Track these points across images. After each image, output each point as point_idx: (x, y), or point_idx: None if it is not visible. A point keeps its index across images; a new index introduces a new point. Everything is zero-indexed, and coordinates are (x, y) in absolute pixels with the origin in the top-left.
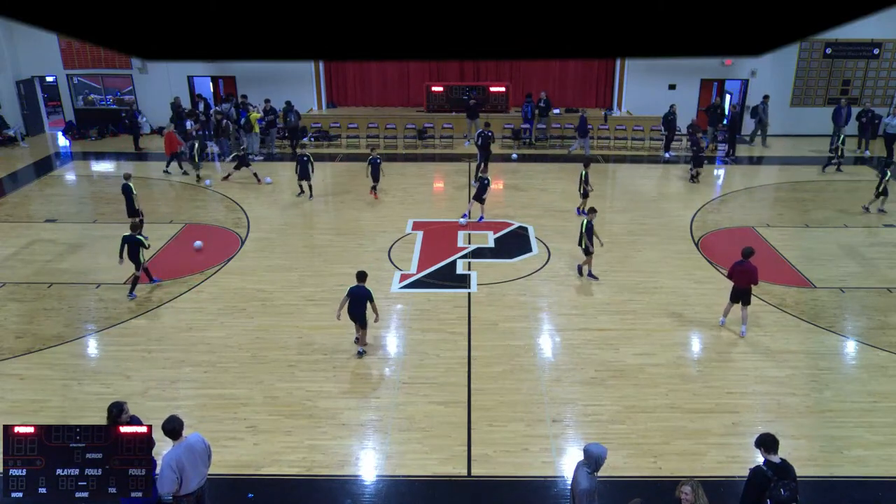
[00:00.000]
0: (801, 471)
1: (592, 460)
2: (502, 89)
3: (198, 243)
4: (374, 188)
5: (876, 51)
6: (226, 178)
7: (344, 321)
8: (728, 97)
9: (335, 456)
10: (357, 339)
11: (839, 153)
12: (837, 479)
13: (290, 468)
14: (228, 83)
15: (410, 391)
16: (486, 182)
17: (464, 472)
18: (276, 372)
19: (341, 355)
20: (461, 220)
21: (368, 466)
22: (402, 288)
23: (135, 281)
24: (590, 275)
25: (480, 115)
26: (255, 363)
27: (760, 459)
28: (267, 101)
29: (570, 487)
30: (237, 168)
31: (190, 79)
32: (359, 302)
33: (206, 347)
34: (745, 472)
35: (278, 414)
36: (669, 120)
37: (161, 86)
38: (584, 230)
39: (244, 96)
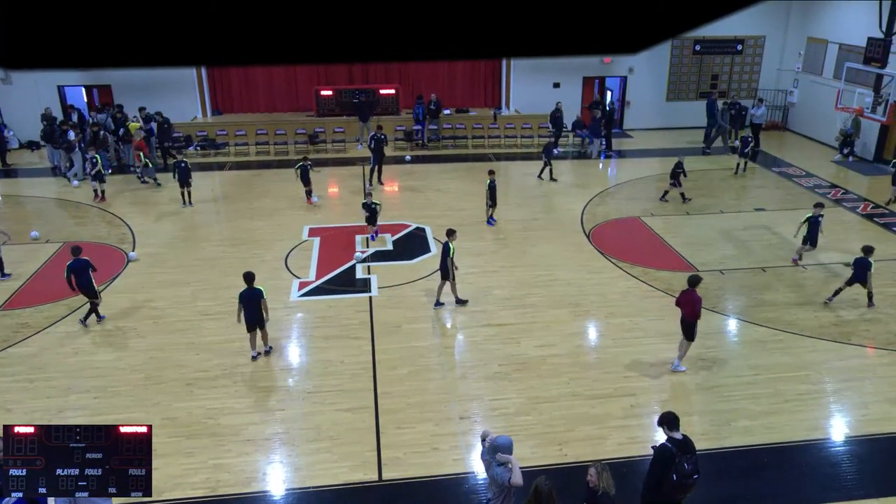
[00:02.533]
0: (696, 445)
1: (501, 452)
2: (392, 91)
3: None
4: (308, 193)
5: (739, 47)
6: (101, 196)
7: (240, 334)
8: (609, 94)
9: (241, 473)
10: (254, 355)
11: (737, 151)
12: (728, 450)
13: (195, 490)
14: (104, 92)
15: (316, 400)
16: (373, 206)
17: (375, 477)
18: (172, 392)
19: (242, 369)
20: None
21: (277, 481)
22: (301, 296)
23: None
24: (439, 303)
25: (372, 118)
26: (150, 384)
27: (659, 437)
28: (141, 109)
29: (490, 478)
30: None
31: (61, 89)
32: (253, 305)
33: (95, 372)
34: (646, 452)
35: (178, 435)
36: (556, 117)
37: (29, 97)
38: (452, 254)
39: (119, 106)
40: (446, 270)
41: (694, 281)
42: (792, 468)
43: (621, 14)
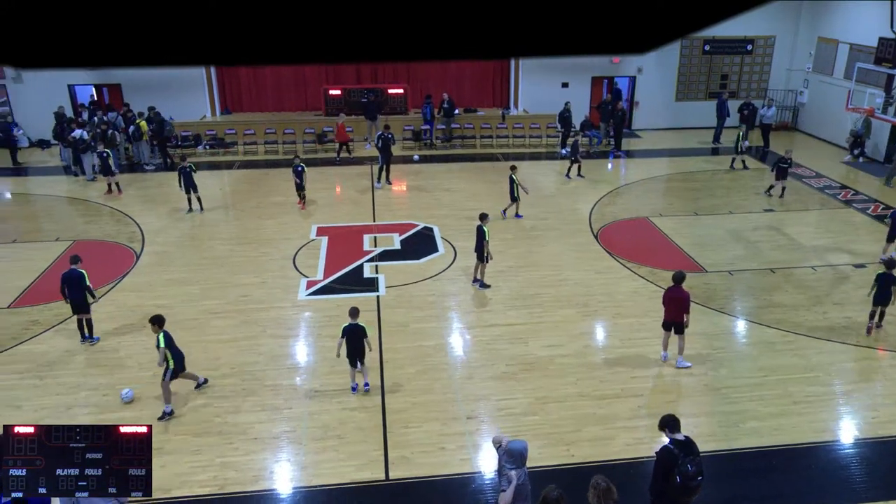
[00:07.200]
0: (703, 446)
1: (517, 456)
2: (400, 91)
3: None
4: (302, 197)
5: (749, 47)
6: (109, 191)
7: (247, 332)
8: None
9: (249, 471)
10: (354, 386)
11: (738, 149)
12: (735, 451)
13: (202, 488)
14: (113, 91)
15: (323, 399)
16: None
17: (382, 476)
18: (180, 390)
19: (250, 368)
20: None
21: (284, 479)
22: (309, 295)
23: (87, 324)
24: (482, 284)
25: (380, 118)
26: (158, 382)
27: (665, 439)
28: (150, 108)
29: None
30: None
31: (71, 87)
32: (356, 339)
33: (103, 370)
34: (653, 453)
35: (185, 433)
36: (565, 117)
37: (39, 96)
38: (487, 237)
39: (127, 105)
40: (482, 253)
41: (679, 277)
42: (800, 470)
43: (630, 14)
